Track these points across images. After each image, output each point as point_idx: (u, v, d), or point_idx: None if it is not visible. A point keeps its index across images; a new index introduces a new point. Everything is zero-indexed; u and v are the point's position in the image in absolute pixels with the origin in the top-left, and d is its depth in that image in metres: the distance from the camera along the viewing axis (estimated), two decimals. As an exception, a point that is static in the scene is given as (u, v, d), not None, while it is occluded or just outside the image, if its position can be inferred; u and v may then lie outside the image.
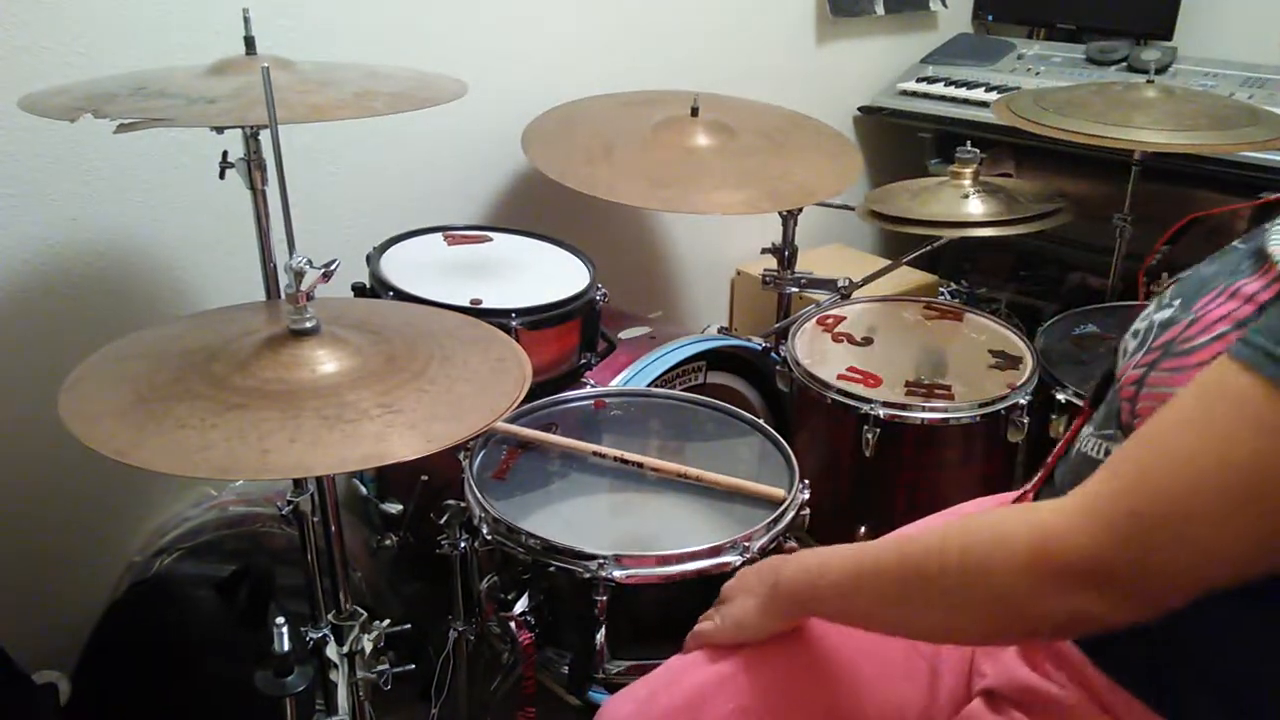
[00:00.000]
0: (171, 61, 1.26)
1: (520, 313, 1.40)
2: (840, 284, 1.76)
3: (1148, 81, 1.77)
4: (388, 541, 1.51)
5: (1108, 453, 0.79)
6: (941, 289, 2.32)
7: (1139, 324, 0.79)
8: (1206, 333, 0.68)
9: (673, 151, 1.62)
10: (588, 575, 1.07)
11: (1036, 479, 0.94)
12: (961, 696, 0.91)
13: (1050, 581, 0.63)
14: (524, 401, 0.99)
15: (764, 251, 1.84)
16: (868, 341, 1.63)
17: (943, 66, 2.51)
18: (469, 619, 1.30)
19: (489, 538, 1.14)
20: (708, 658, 0.91)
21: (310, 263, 0.94)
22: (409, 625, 1.23)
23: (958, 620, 0.71)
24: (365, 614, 1.19)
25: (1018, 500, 0.97)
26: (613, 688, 1.00)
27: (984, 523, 0.69)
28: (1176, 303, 0.74)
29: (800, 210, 1.76)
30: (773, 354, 1.66)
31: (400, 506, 1.50)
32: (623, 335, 1.65)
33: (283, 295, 0.96)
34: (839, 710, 0.90)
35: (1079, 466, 0.83)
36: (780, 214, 1.79)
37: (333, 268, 0.95)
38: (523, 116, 1.72)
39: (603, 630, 1.09)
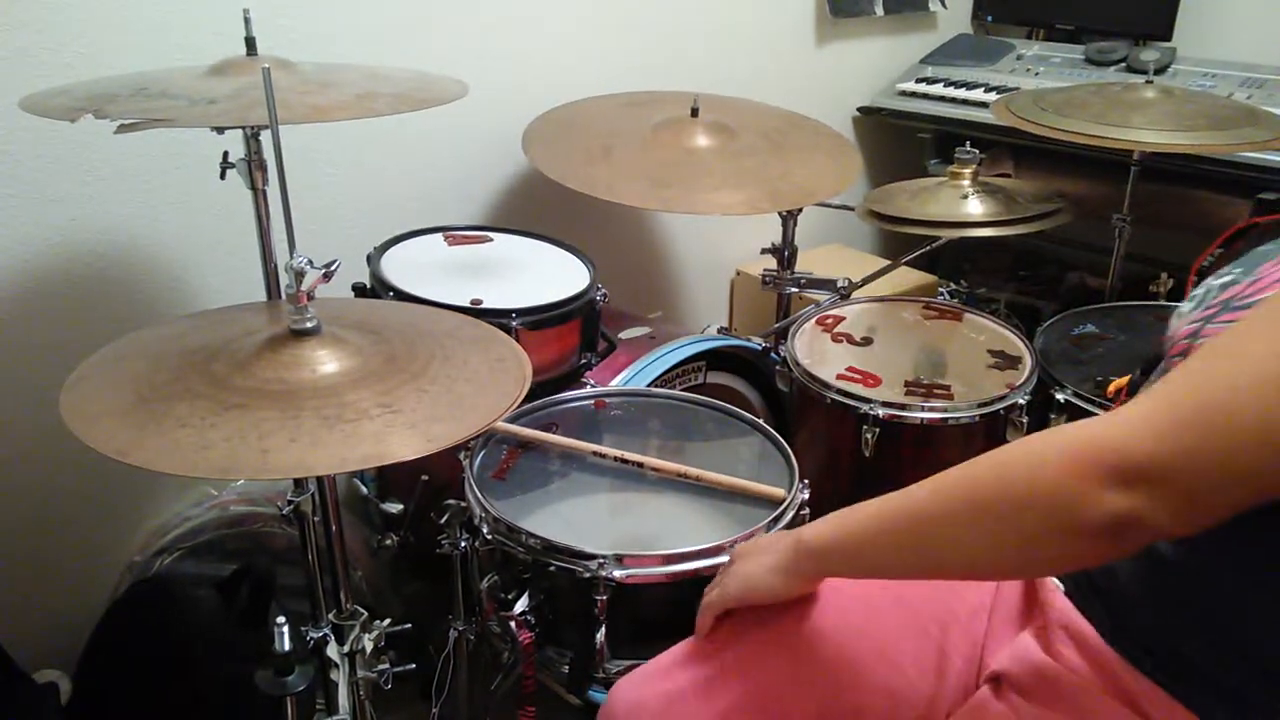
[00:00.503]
0: (172, 62, 1.26)
1: (520, 313, 1.40)
2: (840, 284, 1.76)
3: (1147, 82, 1.77)
4: (388, 541, 1.51)
5: None
6: (941, 289, 2.32)
7: (1196, 291, 0.80)
8: (1268, 289, 0.69)
9: (673, 152, 1.62)
10: (588, 575, 1.07)
11: None
12: (970, 683, 0.91)
13: (1101, 479, 0.62)
14: (524, 401, 1.00)
15: (764, 252, 1.85)
16: (867, 341, 1.63)
17: (942, 67, 2.51)
18: (469, 618, 1.30)
19: (489, 537, 1.15)
20: (714, 644, 0.92)
21: (311, 263, 0.94)
22: (409, 625, 1.23)
23: (998, 540, 0.69)
24: (366, 613, 1.19)
25: None
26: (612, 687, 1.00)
27: (1023, 441, 0.69)
28: (1237, 270, 0.75)
29: (800, 210, 1.77)
30: (772, 354, 1.66)
31: (401, 506, 1.50)
32: (623, 335, 1.65)
33: (283, 295, 0.96)
34: (843, 697, 0.90)
35: None
36: (780, 214, 1.79)
37: (333, 268, 0.95)
38: (523, 117, 1.72)
39: (603, 630, 1.09)
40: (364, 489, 1.61)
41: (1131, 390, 0.91)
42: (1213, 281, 0.79)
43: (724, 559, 1.09)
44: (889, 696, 0.90)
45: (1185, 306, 0.81)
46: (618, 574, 1.07)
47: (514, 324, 1.38)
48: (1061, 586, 0.86)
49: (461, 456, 1.24)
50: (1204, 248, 2.08)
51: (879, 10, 2.45)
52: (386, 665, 1.19)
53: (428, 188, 1.78)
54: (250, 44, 1.18)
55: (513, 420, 1.32)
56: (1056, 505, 0.64)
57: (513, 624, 1.12)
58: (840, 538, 0.83)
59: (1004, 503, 0.68)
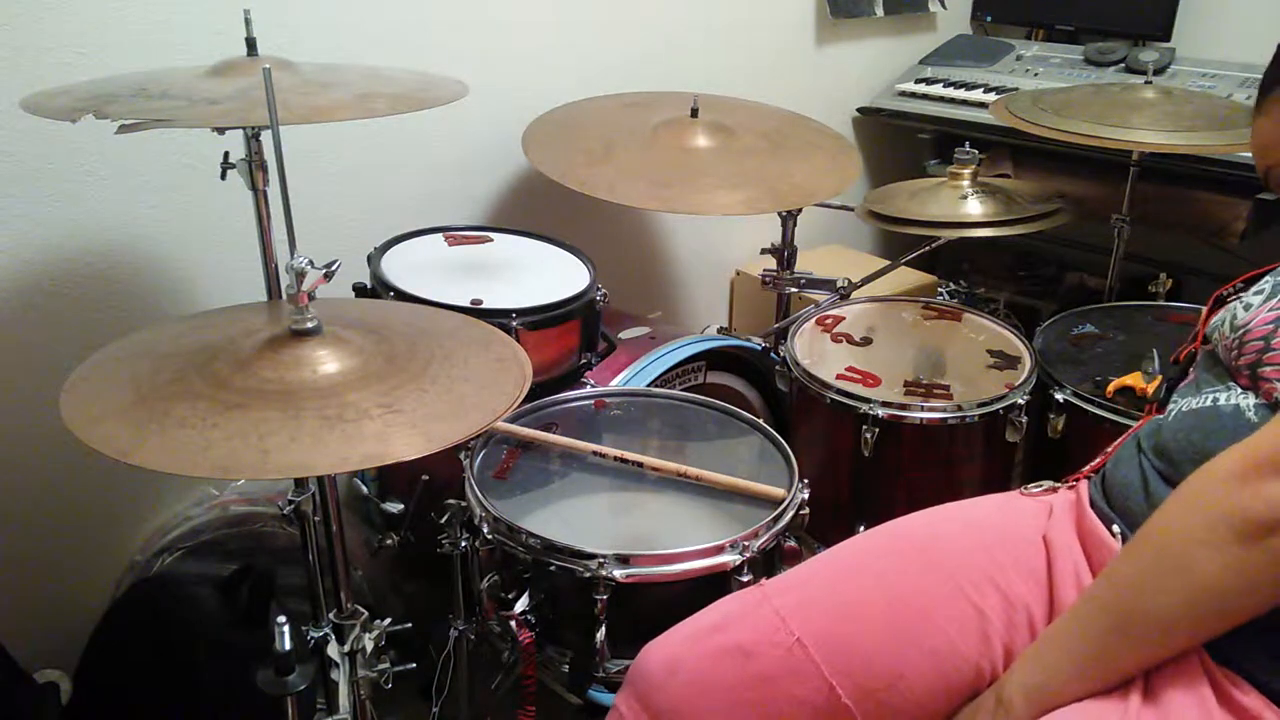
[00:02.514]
0: (173, 62, 1.26)
1: (521, 313, 1.41)
2: (839, 284, 1.76)
3: (1146, 82, 1.77)
4: (389, 541, 1.51)
5: (1224, 402, 0.86)
6: (940, 289, 2.32)
7: (1263, 284, 0.87)
8: None
9: (673, 152, 1.62)
10: (588, 574, 1.07)
11: (1093, 464, 0.99)
12: (1015, 641, 0.91)
13: (1262, 474, 0.69)
14: (524, 401, 1.00)
15: (763, 252, 1.85)
16: (867, 341, 1.63)
17: (941, 67, 2.52)
18: (470, 618, 1.31)
19: (490, 537, 1.15)
20: (757, 598, 0.93)
21: (311, 263, 0.94)
22: (410, 624, 1.23)
23: (1197, 574, 0.73)
24: (366, 613, 1.19)
25: (1069, 483, 1.01)
26: (613, 687, 1.00)
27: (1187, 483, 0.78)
28: None
29: (799, 211, 1.77)
30: (772, 354, 1.66)
31: (401, 506, 1.51)
32: (623, 335, 1.65)
33: (284, 295, 0.97)
34: (884, 663, 0.89)
35: (1189, 422, 0.88)
36: (780, 214, 1.79)
37: (334, 268, 0.96)
38: (523, 117, 1.72)
39: (603, 629, 1.09)
40: (364, 489, 1.61)
41: (1169, 386, 0.92)
42: (1275, 279, 0.86)
43: (723, 558, 1.09)
44: (933, 660, 0.89)
45: (1238, 311, 0.86)
46: (618, 574, 1.07)
47: (514, 324, 1.39)
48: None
49: (462, 456, 1.24)
50: (1202, 248, 2.09)
51: (879, 11, 2.45)
52: (387, 665, 1.19)
53: (428, 188, 1.78)
54: (251, 44, 1.19)
55: (513, 420, 1.32)
56: (1225, 504, 0.70)
57: (513, 624, 1.13)
58: (1041, 684, 0.83)
59: (1183, 534, 0.72)
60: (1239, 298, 0.94)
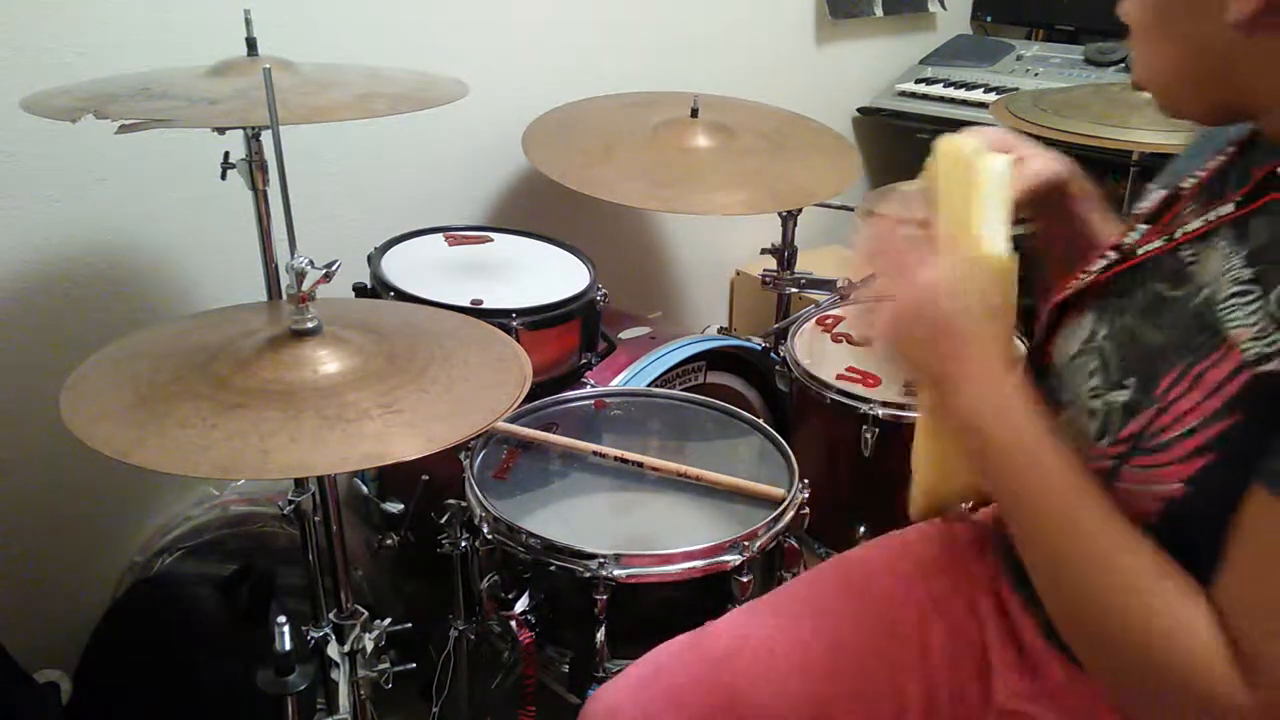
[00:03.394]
0: (173, 62, 1.26)
1: (521, 313, 1.41)
2: (839, 284, 1.76)
3: (1146, 82, 1.77)
4: (389, 541, 1.51)
5: None
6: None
7: (1094, 402, 0.72)
8: (1179, 424, 0.65)
9: (673, 152, 1.62)
10: (588, 574, 1.07)
11: None
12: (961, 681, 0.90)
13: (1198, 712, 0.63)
14: (524, 401, 1.00)
15: (763, 252, 1.85)
16: (867, 341, 1.63)
17: (941, 68, 2.52)
18: (470, 618, 1.31)
19: (490, 537, 1.15)
20: (692, 644, 0.92)
21: (311, 263, 0.94)
22: (410, 624, 1.23)
23: (1117, 676, 0.68)
24: (366, 613, 1.19)
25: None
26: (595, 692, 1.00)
27: (1154, 612, 0.65)
28: (1131, 382, 0.69)
29: (800, 211, 1.77)
30: (772, 354, 1.66)
31: (401, 506, 1.51)
32: (623, 335, 1.65)
33: (284, 295, 0.97)
34: (822, 705, 0.89)
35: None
36: (780, 214, 1.79)
37: (334, 268, 0.96)
38: (523, 117, 1.72)
39: (603, 629, 1.09)
40: (364, 489, 1.61)
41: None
42: (1110, 396, 0.71)
43: (723, 558, 1.09)
44: (865, 704, 0.89)
45: (1088, 423, 0.72)
46: (618, 573, 1.07)
47: (514, 324, 1.39)
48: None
49: (462, 456, 1.24)
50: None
51: (878, 11, 2.45)
52: (387, 665, 1.19)
53: (428, 188, 1.78)
54: (251, 44, 1.19)
55: (513, 420, 1.32)
56: (1200, 699, 0.63)
57: (513, 623, 1.13)
58: (997, 449, 0.71)
59: (1137, 670, 0.66)
60: None
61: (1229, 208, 0.67)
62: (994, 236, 0.77)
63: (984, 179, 0.82)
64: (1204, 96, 0.69)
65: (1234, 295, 0.63)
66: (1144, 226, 0.78)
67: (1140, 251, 0.73)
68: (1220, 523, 0.63)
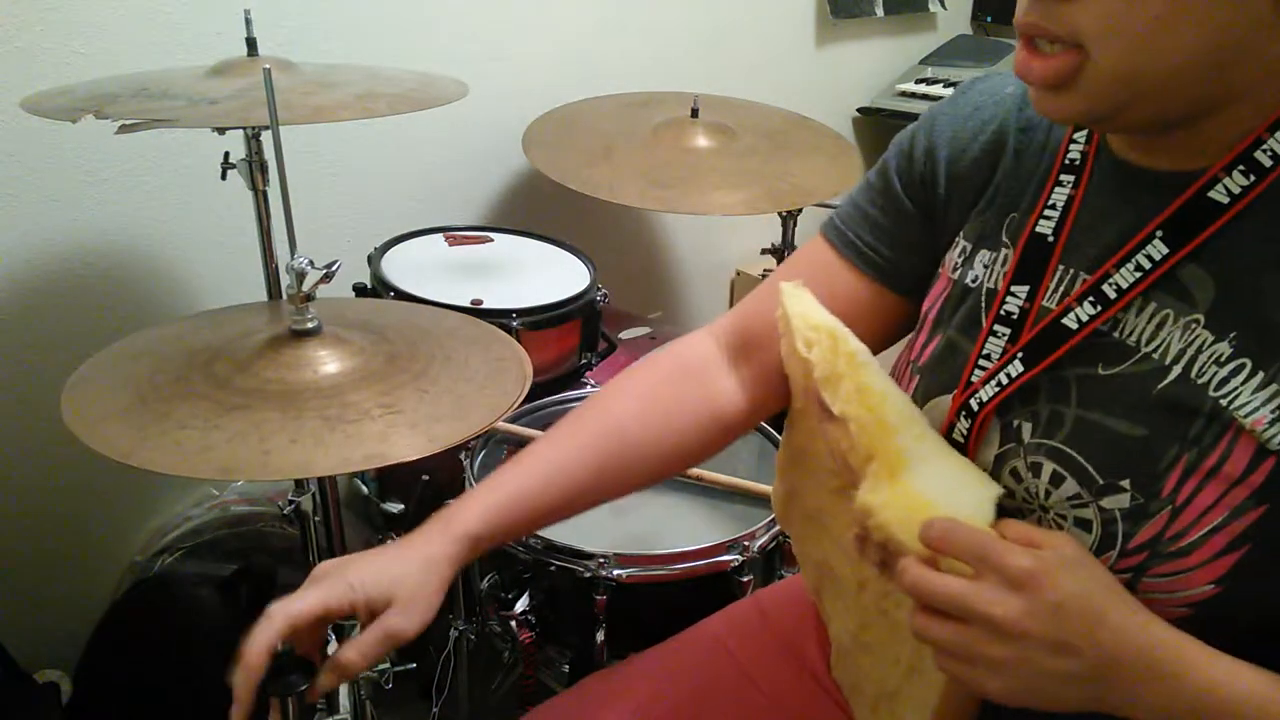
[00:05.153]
0: (173, 62, 1.26)
1: (521, 313, 1.41)
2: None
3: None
4: (389, 541, 1.51)
5: None
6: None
7: (1078, 511, 0.63)
8: (1201, 523, 0.59)
9: (673, 152, 1.62)
10: (588, 574, 1.07)
11: None
12: None
13: None
14: (525, 401, 1.00)
15: (764, 252, 1.85)
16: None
17: (942, 68, 2.52)
18: (470, 618, 1.30)
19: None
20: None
21: (312, 263, 0.94)
22: (410, 624, 1.23)
23: None
24: (366, 613, 1.19)
25: None
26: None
27: None
28: (1127, 484, 0.61)
29: (800, 211, 1.77)
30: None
31: (401, 506, 1.51)
32: (623, 335, 1.65)
33: (284, 295, 0.97)
34: None
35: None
36: (780, 214, 1.79)
37: (334, 268, 0.96)
38: (523, 118, 1.72)
39: (603, 629, 1.09)
40: (364, 489, 1.61)
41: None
42: (1100, 501, 0.63)
43: (723, 558, 1.09)
44: None
45: (1073, 530, 0.64)
46: (618, 573, 1.07)
47: (514, 324, 1.39)
48: None
49: (462, 456, 1.24)
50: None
51: (879, 11, 2.45)
52: (387, 665, 1.19)
53: (428, 188, 1.78)
54: (251, 44, 1.19)
55: (513, 420, 1.32)
56: None
57: (513, 623, 1.13)
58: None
59: None
60: None
61: (1159, 248, 0.61)
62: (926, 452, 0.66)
63: (866, 367, 0.70)
64: (1185, 100, 0.58)
65: (1228, 377, 0.58)
66: (1022, 287, 0.67)
67: (1076, 328, 0.64)
68: (1259, 614, 0.59)
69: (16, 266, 1.36)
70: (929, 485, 0.64)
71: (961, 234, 0.75)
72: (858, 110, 2.52)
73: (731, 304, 2.44)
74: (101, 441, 0.84)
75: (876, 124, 2.53)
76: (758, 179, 1.58)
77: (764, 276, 1.83)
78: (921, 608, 0.59)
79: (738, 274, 2.40)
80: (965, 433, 0.69)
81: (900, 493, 0.64)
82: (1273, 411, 0.57)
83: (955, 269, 0.74)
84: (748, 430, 0.88)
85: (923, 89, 2.44)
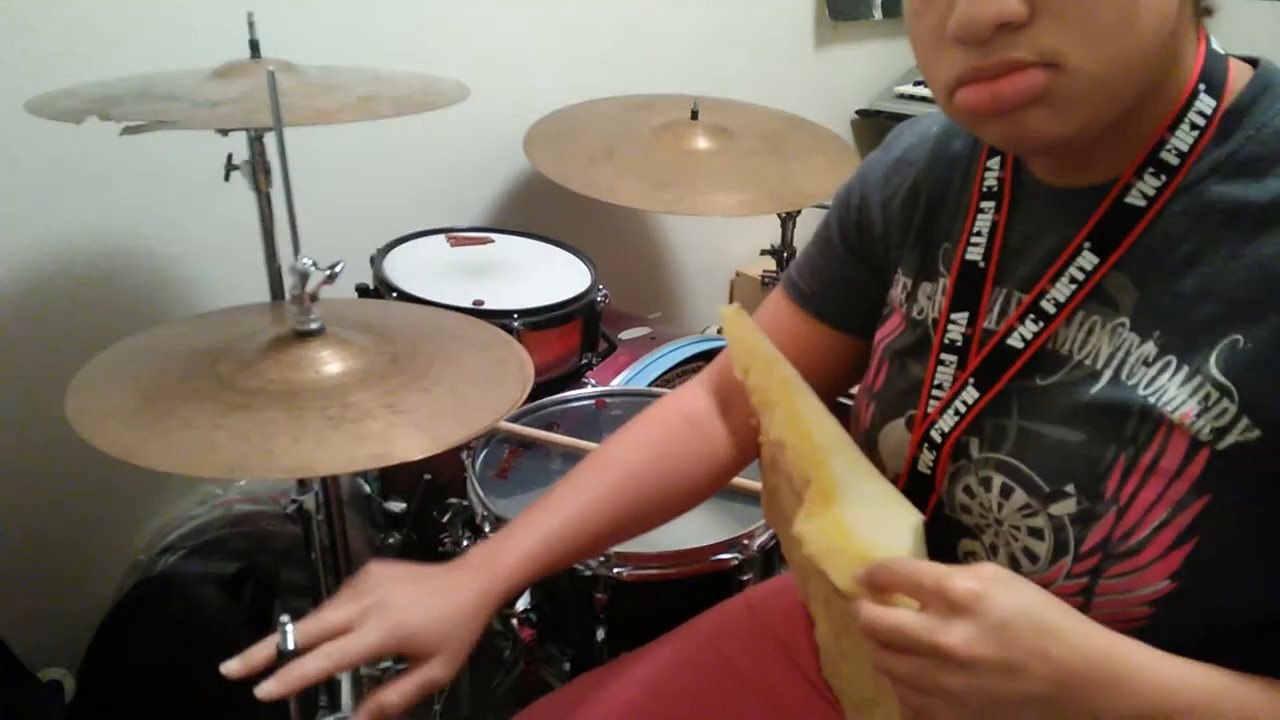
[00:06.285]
0: (177, 64, 1.27)
1: (522, 313, 1.41)
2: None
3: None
4: (391, 540, 1.52)
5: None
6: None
7: (1030, 520, 0.64)
8: (1147, 522, 0.59)
9: (673, 154, 1.63)
10: (589, 573, 1.08)
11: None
12: None
13: None
14: (526, 401, 1.00)
15: (763, 253, 1.86)
16: None
17: (941, 69, 2.52)
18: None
19: (491, 536, 1.15)
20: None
21: (315, 264, 0.95)
22: (411, 623, 1.23)
23: None
24: (368, 612, 1.19)
25: None
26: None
27: None
28: (1071, 489, 0.62)
29: (799, 212, 1.78)
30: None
31: (403, 505, 1.51)
32: (623, 336, 1.66)
33: (287, 296, 0.97)
34: None
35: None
36: (779, 216, 1.80)
37: (337, 269, 0.96)
38: (525, 119, 1.73)
39: (604, 627, 1.10)
40: (367, 488, 1.62)
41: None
42: (1051, 509, 0.63)
43: (724, 557, 1.10)
44: None
45: (1028, 540, 0.64)
46: (618, 572, 1.08)
47: (516, 324, 1.39)
48: None
49: (464, 456, 1.25)
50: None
51: (878, 14, 2.46)
52: (389, 663, 1.20)
53: (430, 190, 1.79)
54: (254, 46, 1.19)
55: (515, 420, 1.33)
56: None
57: (514, 621, 1.13)
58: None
59: None
60: None
61: (1089, 259, 0.62)
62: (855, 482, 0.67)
63: (798, 394, 0.71)
64: (1142, 85, 0.58)
65: (1155, 375, 0.59)
66: (962, 314, 0.69)
67: (1021, 346, 0.65)
68: (1219, 608, 0.60)
69: (22, 267, 1.37)
70: (856, 515, 0.65)
71: (900, 270, 0.77)
72: (857, 112, 2.53)
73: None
74: (105, 440, 0.85)
75: (875, 126, 2.53)
76: (757, 180, 1.59)
77: (763, 277, 1.85)
78: (879, 643, 0.58)
79: (738, 275, 2.40)
80: (931, 464, 0.70)
81: (830, 522, 0.64)
82: (1199, 404, 0.58)
83: (902, 305, 0.77)
84: (739, 472, 0.93)
85: (921, 91, 2.44)
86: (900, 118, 2.38)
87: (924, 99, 2.41)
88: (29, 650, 1.35)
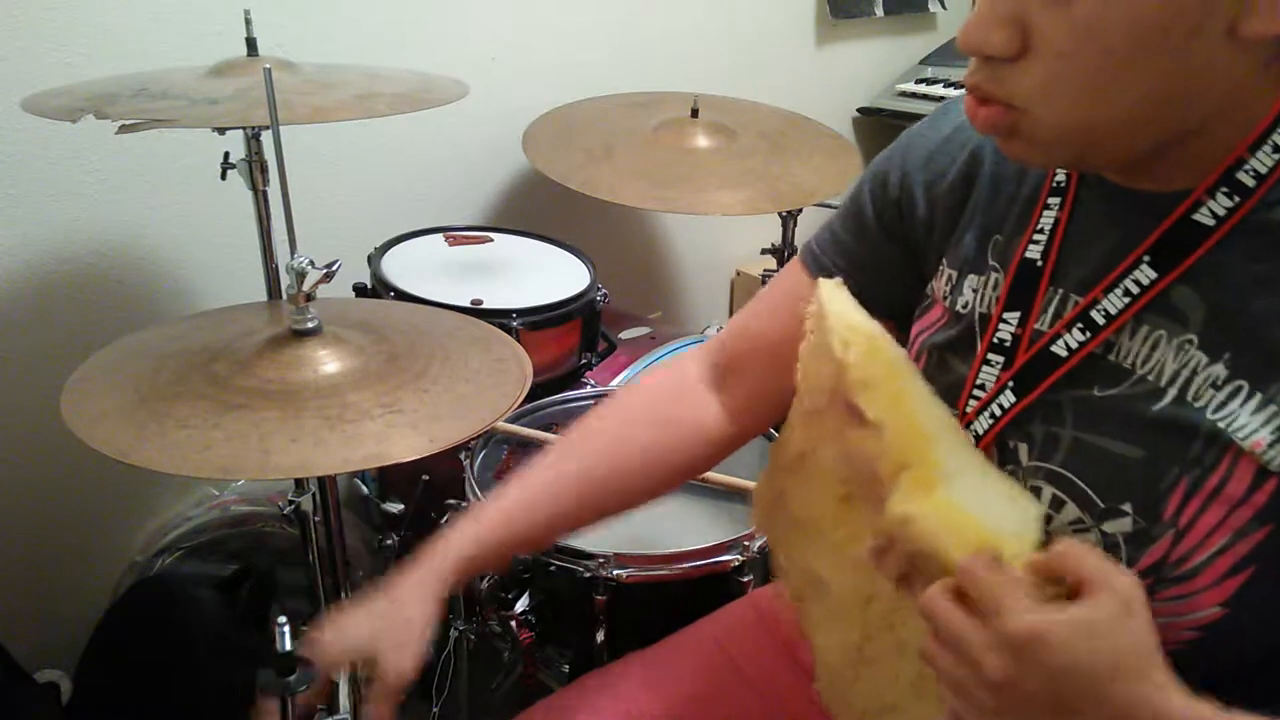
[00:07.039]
0: (173, 62, 1.26)
1: (521, 313, 1.41)
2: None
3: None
4: (389, 541, 1.51)
5: None
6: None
7: (1082, 536, 0.62)
8: (1206, 545, 0.58)
9: (673, 152, 1.62)
10: (588, 574, 1.07)
11: None
12: None
13: None
14: (525, 401, 1.00)
15: (764, 252, 1.85)
16: None
17: (942, 68, 2.52)
18: (470, 618, 1.30)
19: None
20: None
21: (312, 263, 0.94)
22: (410, 624, 1.23)
23: None
24: (366, 613, 1.18)
25: None
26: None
27: None
28: (1128, 508, 0.60)
29: (800, 211, 1.77)
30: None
31: (401, 506, 1.51)
32: (623, 335, 1.65)
33: (284, 295, 0.97)
34: None
35: None
36: (780, 214, 1.79)
37: (334, 268, 0.96)
38: (524, 118, 1.72)
39: (603, 629, 1.09)
40: (365, 489, 1.61)
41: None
42: (1103, 526, 0.62)
43: (724, 558, 1.09)
44: None
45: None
46: (618, 573, 1.07)
47: (515, 324, 1.39)
48: None
49: (462, 456, 1.24)
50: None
51: (879, 11, 2.45)
52: (387, 664, 1.19)
53: (428, 188, 1.78)
54: (251, 44, 1.19)
55: (513, 420, 1.32)
56: None
57: (513, 623, 1.13)
58: None
59: None
60: None
61: (1146, 273, 0.60)
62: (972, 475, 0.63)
63: (905, 375, 0.67)
64: (1145, 138, 0.57)
65: (1225, 400, 0.57)
66: (1014, 314, 0.67)
67: (1065, 355, 0.63)
68: (1266, 636, 0.59)
69: (16, 266, 1.36)
70: (970, 499, 0.61)
71: (945, 261, 0.74)
72: (858, 110, 2.52)
73: (731, 304, 2.45)
74: (101, 440, 0.84)
75: (876, 124, 2.53)
76: (758, 179, 1.58)
77: (764, 276, 1.84)
78: (933, 633, 0.57)
79: (738, 274, 2.40)
80: None
81: (940, 504, 0.60)
82: (1272, 433, 0.56)
83: (945, 297, 0.73)
84: (736, 449, 0.89)
85: (923, 89, 2.43)
86: (902, 115, 2.40)
87: (926, 97, 2.41)
88: (25, 651, 1.34)
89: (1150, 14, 0.51)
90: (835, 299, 0.71)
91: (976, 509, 0.60)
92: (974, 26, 0.56)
